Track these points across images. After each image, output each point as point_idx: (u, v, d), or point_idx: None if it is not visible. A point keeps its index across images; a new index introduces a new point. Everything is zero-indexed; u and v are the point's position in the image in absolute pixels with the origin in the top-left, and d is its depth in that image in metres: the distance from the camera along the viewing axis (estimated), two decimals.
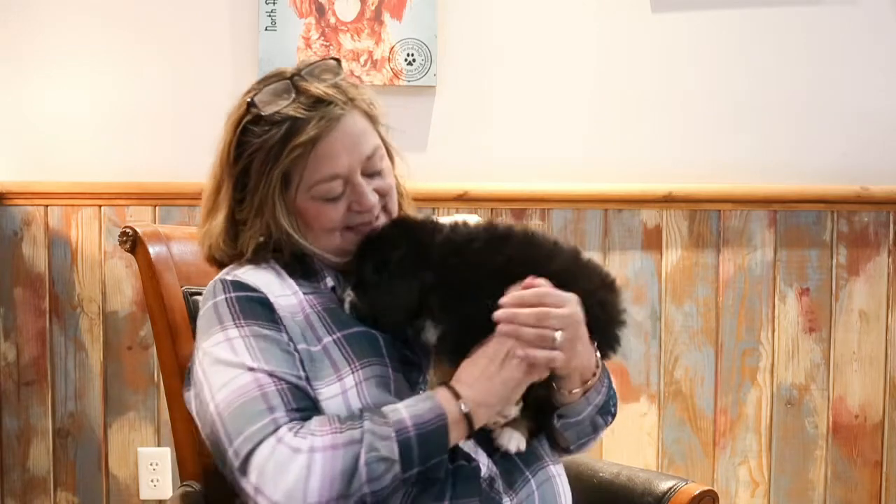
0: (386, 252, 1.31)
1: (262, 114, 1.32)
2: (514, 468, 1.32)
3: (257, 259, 1.38)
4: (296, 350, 1.29)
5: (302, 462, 1.16)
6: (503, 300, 1.25)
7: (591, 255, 2.34)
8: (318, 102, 1.33)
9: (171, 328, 1.54)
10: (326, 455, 1.17)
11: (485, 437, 1.30)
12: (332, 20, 2.33)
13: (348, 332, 1.32)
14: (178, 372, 1.52)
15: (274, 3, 2.31)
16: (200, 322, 1.34)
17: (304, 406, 1.24)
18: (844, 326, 2.40)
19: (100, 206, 2.32)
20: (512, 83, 2.37)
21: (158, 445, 2.33)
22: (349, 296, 1.34)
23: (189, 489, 1.50)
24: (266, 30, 2.31)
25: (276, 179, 1.32)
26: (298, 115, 1.31)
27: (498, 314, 1.24)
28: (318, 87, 1.34)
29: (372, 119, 1.39)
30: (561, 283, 1.27)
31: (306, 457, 1.17)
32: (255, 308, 1.31)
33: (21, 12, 2.32)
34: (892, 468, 2.42)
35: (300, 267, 1.38)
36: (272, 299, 1.32)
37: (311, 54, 2.31)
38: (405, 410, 1.21)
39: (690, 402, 2.39)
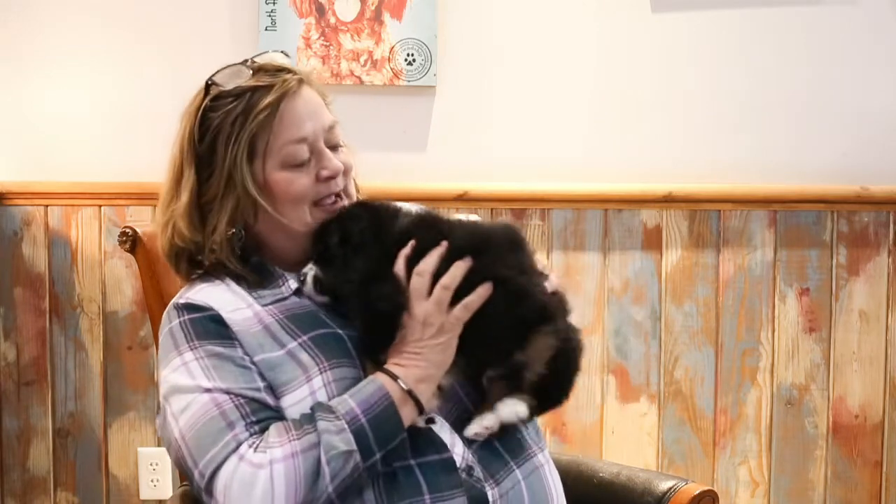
0: (349, 226, 1.33)
1: (224, 88, 1.36)
2: (494, 457, 1.31)
3: (210, 276, 1.38)
4: (252, 363, 1.29)
5: (265, 477, 1.18)
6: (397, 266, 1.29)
7: (592, 255, 2.35)
8: (277, 74, 1.37)
9: None
10: (287, 465, 1.18)
11: (462, 426, 1.31)
12: (332, 20, 2.33)
13: (314, 333, 1.32)
14: None
15: (274, 3, 2.31)
16: (160, 350, 1.36)
17: (265, 417, 1.25)
18: (844, 326, 2.40)
19: (100, 206, 2.32)
20: (512, 83, 2.37)
21: (158, 445, 2.33)
22: (311, 269, 1.34)
23: (189, 489, 1.50)
24: (266, 30, 2.31)
25: (242, 147, 1.33)
26: (260, 83, 1.35)
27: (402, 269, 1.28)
28: (273, 64, 1.39)
29: (324, 100, 1.42)
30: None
31: (268, 471, 1.18)
32: (208, 326, 1.31)
33: (21, 12, 2.32)
34: (892, 468, 2.42)
35: (257, 276, 1.38)
36: (225, 315, 1.32)
37: (311, 54, 2.31)
38: (352, 399, 1.23)
39: (690, 402, 2.39)
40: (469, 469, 1.28)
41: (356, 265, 1.31)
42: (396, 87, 2.33)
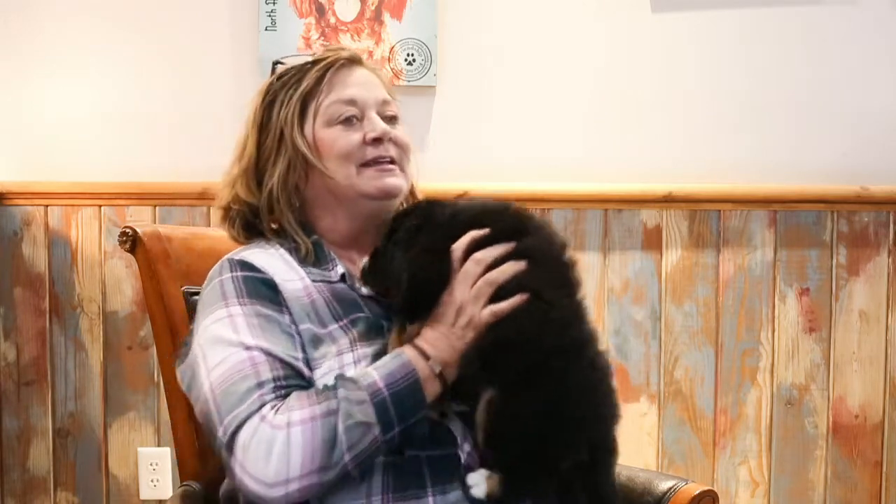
0: (401, 222, 1.32)
1: (287, 66, 1.44)
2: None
3: (265, 243, 1.41)
4: (298, 333, 1.30)
5: (282, 439, 1.18)
6: (455, 245, 1.27)
7: (592, 255, 2.35)
8: (334, 50, 1.45)
9: (171, 328, 1.54)
10: (305, 428, 1.18)
11: (472, 426, 1.30)
12: (332, 20, 2.33)
13: (354, 317, 1.33)
14: None
15: (274, 3, 2.31)
16: (204, 298, 1.35)
17: (295, 385, 1.25)
18: (844, 326, 2.40)
19: (100, 206, 2.32)
20: (512, 83, 2.37)
21: (158, 445, 2.34)
22: (364, 262, 1.35)
23: (189, 489, 1.50)
24: (266, 30, 2.31)
25: (294, 106, 1.39)
26: (317, 57, 1.43)
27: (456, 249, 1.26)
28: (333, 45, 1.53)
29: (383, 81, 1.47)
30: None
31: (285, 433, 1.18)
32: (260, 288, 1.32)
33: (21, 12, 2.32)
34: (892, 468, 2.42)
35: (313, 251, 1.39)
36: (278, 281, 1.33)
37: (310, 54, 2.31)
38: (376, 372, 1.23)
39: (690, 402, 2.39)
40: (470, 468, 1.28)
41: (419, 240, 1.29)
42: (396, 87, 2.32)
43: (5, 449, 2.34)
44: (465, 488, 1.26)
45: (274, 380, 1.23)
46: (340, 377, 1.24)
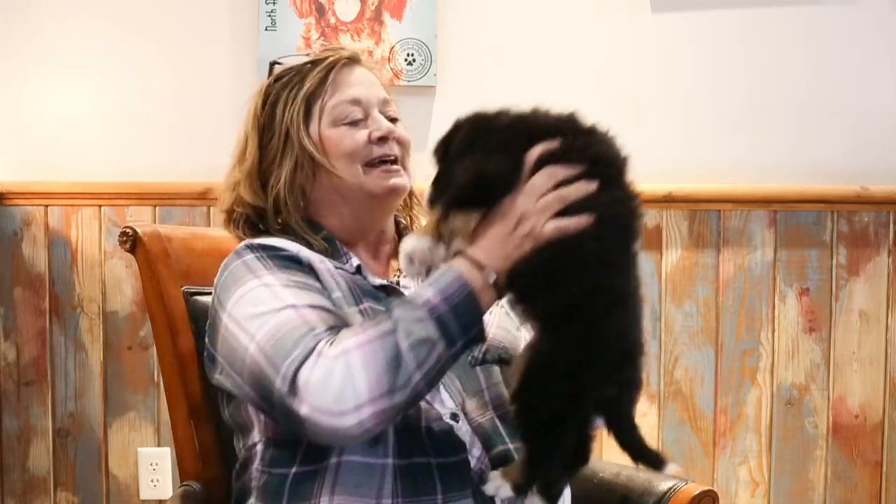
0: (449, 141, 1.31)
1: (285, 66, 1.44)
2: (507, 464, 1.30)
3: (282, 235, 1.40)
4: (330, 299, 1.29)
5: (341, 366, 1.14)
6: (533, 151, 1.22)
7: None
8: (333, 50, 1.46)
9: (171, 328, 1.54)
10: (364, 351, 1.15)
11: (482, 431, 1.31)
12: (332, 20, 2.33)
13: (373, 304, 1.33)
14: (179, 372, 1.53)
15: (274, 3, 2.31)
16: (225, 281, 1.32)
17: (344, 325, 1.23)
18: (844, 326, 2.40)
19: (100, 206, 2.32)
20: (512, 83, 2.37)
21: (158, 445, 2.34)
22: (428, 190, 1.30)
23: (189, 489, 1.50)
24: (266, 30, 2.31)
25: (299, 107, 1.39)
26: (316, 57, 1.44)
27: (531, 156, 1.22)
28: (331, 45, 1.55)
29: (381, 81, 1.48)
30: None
31: (343, 360, 1.14)
32: (289, 263, 1.31)
33: (21, 12, 2.32)
34: (892, 468, 2.42)
35: (325, 245, 1.39)
36: (303, 257, 1.33)
37: (307, 54, 2.31)
38: (429, 289, 1.18)
39: (690, 402, 2.39)
40: (481, 473, 1.28)
41: (456, 171, 1.26)
42: (396, 87, 2.33)
43: (5, 449, 2.34)
44: (477, 496, 1.25)
45: (324, 321, 1.21)
46: (392, 301, 1.22)
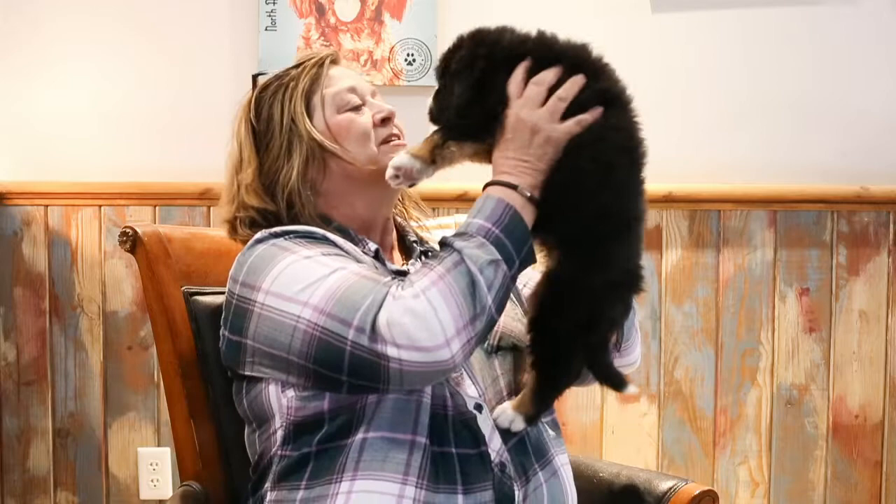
0: (450, 57, 1.35)
1: (269, 76, 1.46)
2: (524, 457, 1.32)
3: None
4: None
5: (423, 302, 1.15)
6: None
7: None
8: (313, 53, 1.49)
9: (171, 328, 1.54)
10: (440, 286, 1.16)
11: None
12: (332, 20, 2.33)
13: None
14: (179, 372, 1.52)
15: (274, 3, 2.31)
16: (254, 263, 1.29)
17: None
18: (844, 326, 2.40)
19: (100, 206, 2.32)
20: None
21: (158, 445, 2.34)
22: (430, 103, 1.36)
23: (189, 489, 1.50)
24: (266, 30, 2.31)
25: (299, 101, 1.41)
26: (300, 61, 1.46)
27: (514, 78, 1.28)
28: (308, 52, 1.53)
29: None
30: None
31: (423, 297, 1.15)
32: (320, 241, 1.31)
33: (21, 12, 2.32)
34: (892, 468, 2.42)
35: (341, 235, 1.39)
36: (330, 237, 1.33)
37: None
38: (477, 218, 1.22)
39: (690, 402, 2.39)
40: (502, 465, 1.29)
41: (454, 89, 1.31)
42: (396, 87, 2.33)
43: (5, 449, 2.34)
44: (496, 490, 1.26)
45: (383, 275, 1.24)
46: (444, 238, 1.24)
